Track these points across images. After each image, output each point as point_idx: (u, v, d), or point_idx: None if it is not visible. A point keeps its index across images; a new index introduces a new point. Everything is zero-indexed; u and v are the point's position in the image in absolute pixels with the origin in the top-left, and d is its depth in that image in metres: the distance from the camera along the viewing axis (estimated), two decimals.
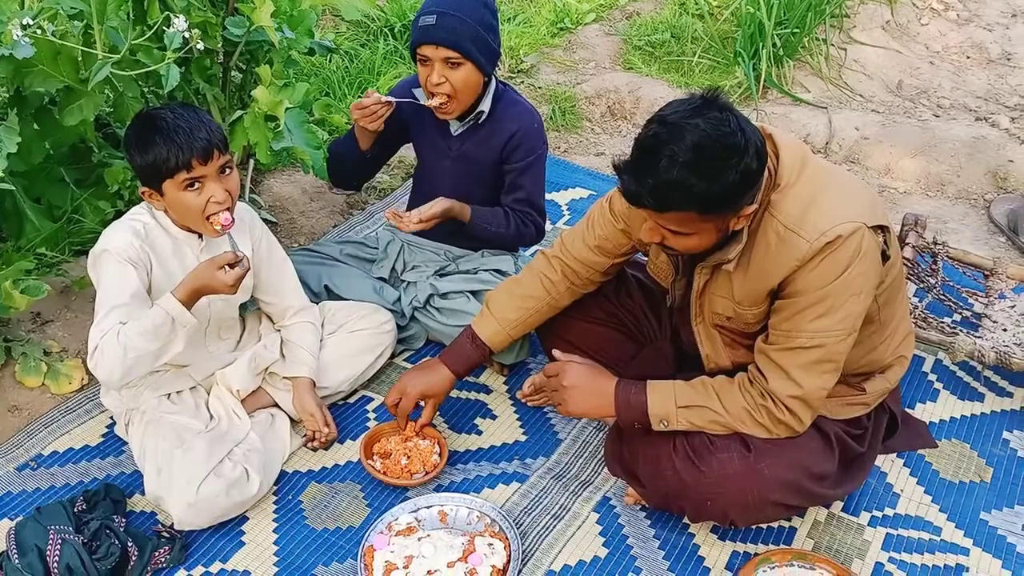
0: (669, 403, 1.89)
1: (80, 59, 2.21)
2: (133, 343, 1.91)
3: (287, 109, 2.42)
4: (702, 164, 1.60)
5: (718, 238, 1.76)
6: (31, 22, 2.05)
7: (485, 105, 2.44)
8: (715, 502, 1.89)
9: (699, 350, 2.03)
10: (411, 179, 2.66)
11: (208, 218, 1.99)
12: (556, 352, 2.13)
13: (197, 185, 1.97)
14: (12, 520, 2.04)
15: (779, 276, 1.77)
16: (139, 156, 1.95)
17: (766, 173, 1.73)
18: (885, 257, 1.81)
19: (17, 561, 1.87)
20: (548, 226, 3.22)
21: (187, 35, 2.10)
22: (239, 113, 2.52)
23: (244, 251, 2.04)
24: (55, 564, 1.86)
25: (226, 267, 1.93)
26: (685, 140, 1.61)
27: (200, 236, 2.10)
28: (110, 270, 2.00)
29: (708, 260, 1.84)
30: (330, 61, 3.95)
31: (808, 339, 1.78)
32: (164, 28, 2.14)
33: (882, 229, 1.79)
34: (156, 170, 1.94)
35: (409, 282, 2.63)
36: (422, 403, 2.21)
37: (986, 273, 2.80)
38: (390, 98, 2.41)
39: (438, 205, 2.43)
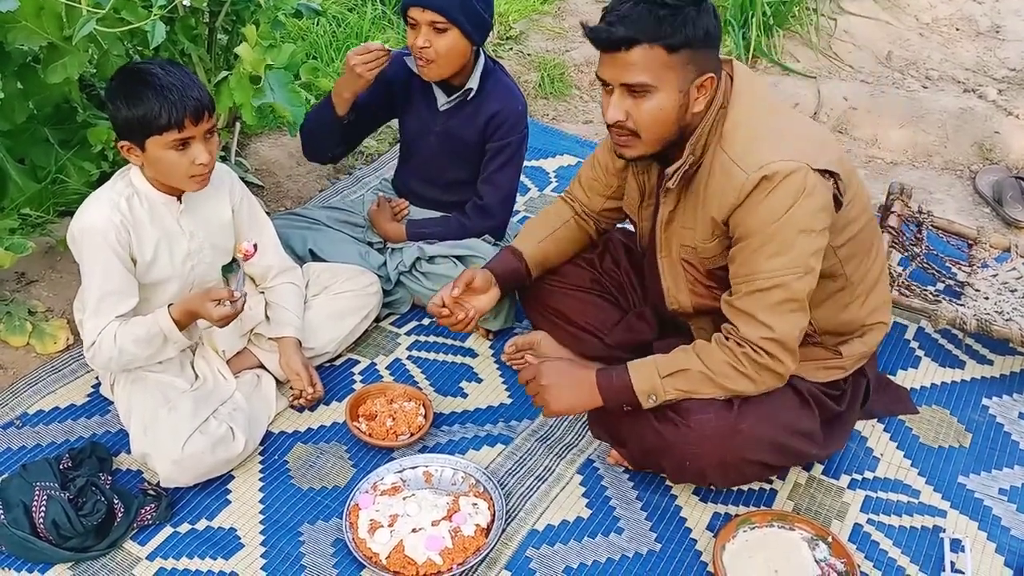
0: (653, 376, 1.89)
1: (64, 15, 2.18)
2: (127, 348, 2.03)
3: (271, 67, 2.40)
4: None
5: (678, 109, 1.79)
6: None
7: (473, 82, 2.42)
8: (693, 462, 1.91)
9: (662, 289, 2.05)
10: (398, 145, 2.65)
11: (191, 177, 1.99)
12: (528, 356, 2.13)
13: (184, 145, 1.95)
14: None
15: (725, 208, 1.81)
16: (126, 109, 1.92)
17: (721, 87, 1.82)
18: (838, 203, 1.82)
19: (3, 516, 1.88)
20: (535, 192, 3.23)
21: None
22: (224, 74, 2.50)
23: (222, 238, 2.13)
24: (41, 519, 1.87)
25: (223, 301, 2.00)
26: None
27: (179, 199, 2.09)
28: (93, 254, 2.01)
29: (667, 175, 1.89)
30: (317, 24, 3.91)
31: (766, 279, 1.80)
32: None
33: (831, 174, 1.80)
34: (145, 125, 1.92)
35: (394, 248, 2.63)
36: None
37: (970, 242, 2.81)
38: (389, 47, 2.40)
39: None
